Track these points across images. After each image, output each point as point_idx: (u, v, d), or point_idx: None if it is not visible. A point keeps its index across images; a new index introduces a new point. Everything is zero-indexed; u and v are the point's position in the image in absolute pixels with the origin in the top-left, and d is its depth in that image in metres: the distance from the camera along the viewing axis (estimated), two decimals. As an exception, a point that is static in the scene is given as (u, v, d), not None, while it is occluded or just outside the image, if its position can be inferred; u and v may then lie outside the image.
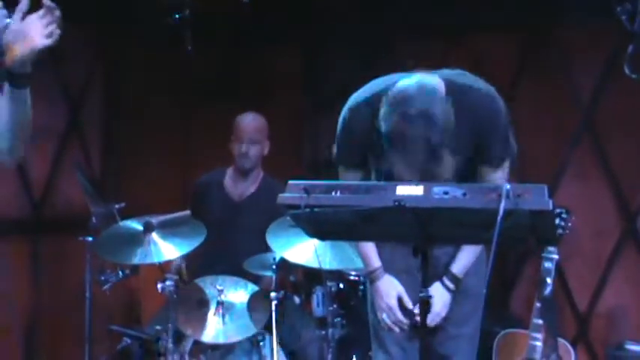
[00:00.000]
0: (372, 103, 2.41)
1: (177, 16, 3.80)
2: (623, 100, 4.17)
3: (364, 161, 2.54)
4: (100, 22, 4.60)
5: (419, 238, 2.16)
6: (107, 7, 4.47)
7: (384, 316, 2.69)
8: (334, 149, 2.61)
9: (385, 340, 2.74)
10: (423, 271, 2.19)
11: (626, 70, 2.35)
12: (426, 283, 2.20)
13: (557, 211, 3.74)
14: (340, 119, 2.55)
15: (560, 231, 3.74)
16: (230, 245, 3.97)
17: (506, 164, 2.56)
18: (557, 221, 3.72)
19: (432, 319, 2.57)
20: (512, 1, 4.20)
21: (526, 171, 4.23)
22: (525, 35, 4.41)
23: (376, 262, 2.72)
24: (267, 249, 3.76)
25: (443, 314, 2.66)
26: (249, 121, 4.08)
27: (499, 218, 1.94)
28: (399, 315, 2.68)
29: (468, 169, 2.47)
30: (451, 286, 2.67)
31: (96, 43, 4.74)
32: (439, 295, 2.64)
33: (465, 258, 2.68)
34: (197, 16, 3.79)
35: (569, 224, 3.78)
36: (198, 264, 3.95)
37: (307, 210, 2.07)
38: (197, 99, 4.83)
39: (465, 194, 2.04)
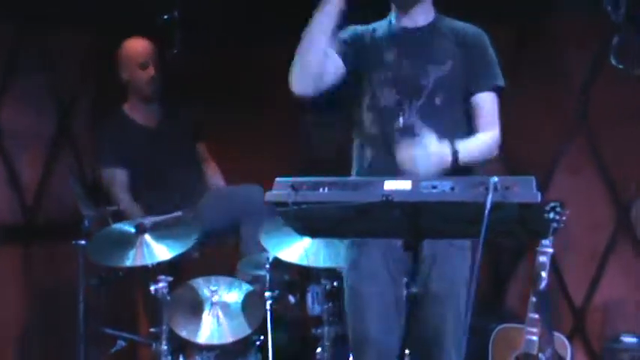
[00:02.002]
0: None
1: (165, 17, 3.78)
2: (615, 92, 4.15)
3: (350, 96, 2.70)
4: (90, 26, 4.58)
5: (408, 233, 2.15)
6: (96, 11, 4.46)
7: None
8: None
9: (365, 312, 2.64)
10: (413, 267, 2.18)
11: (612, 61, 2.34)
12: (415, 279, 2.19)
13: (552, 204, 3.74)
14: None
15: (554, 225, 3.73)
16: (164, 178, 4.03)
17: (496, 96, 2.69)
18: (551, 215, 3.72)
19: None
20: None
21: (519, 165, 4.23)
22: (516, 27, 4.40)
23: None
24: (201, 176, 4.03)
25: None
26: (146, 45, 4.11)
27: (486, 211, 1.94)
28: None
29: (452, 82, 2.63)
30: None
31: (86, 47, 4.73)
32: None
33: (474, 146, 2.60)
34: (187, 16, 3.78)
35: (564, 218, 3.77)
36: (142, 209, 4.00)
37: (294, 207, 2.07)
38: (189, 100, 4.81)
39: (452, 188, 2.03)
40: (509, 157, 4.37)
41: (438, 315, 2.61)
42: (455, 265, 2.62)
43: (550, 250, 3.74)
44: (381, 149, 2.63)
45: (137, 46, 4.15)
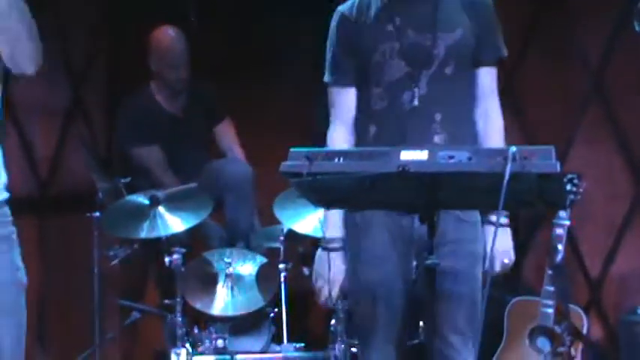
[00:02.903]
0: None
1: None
2: (632, 62, 4.10)
3: (357, 74, 2.55)
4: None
5: (425, 204, 2.12)
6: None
7: (321, 286, 2.56)
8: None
9: (371, 299, 2.51)
10: (430, 238, 2.15)
11: (636, 27, 2.28)
12: (433, 250, 2.16)
13: (569, 176, 3.69)
14: (329, 32, 2.60)
15: (572, 197, 3.68)
16: (180, 160, 4.04)
17: (495, 68, 2.59)
18: (568, 187, 3.67)
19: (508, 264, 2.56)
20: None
21: (536, 136, 4.19)
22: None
23: (340, 232, 2.57)
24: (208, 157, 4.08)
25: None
26: (181, 44, 4.05)
27: (505, 182, 1.91)
28: (335, 293, 2.55)
29: (463, 50, 2.50)
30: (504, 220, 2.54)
31: (98, 18, 4.71)
32: (499, 236, 2.44)
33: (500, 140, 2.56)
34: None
35: (581, 190, 3.73)
36: None
37: (309, 178, 2.04)
38: (202, 73, 4.79)
39: (470, 158, 2.00)
40: (526, 128, 4.33)
41: (452, 292, 2.44)
42: (470, 241, 2.49)
43: (567, 223, 3.70)
44: (387, 124, 2.48)
45: (169, 44, 4.05)
